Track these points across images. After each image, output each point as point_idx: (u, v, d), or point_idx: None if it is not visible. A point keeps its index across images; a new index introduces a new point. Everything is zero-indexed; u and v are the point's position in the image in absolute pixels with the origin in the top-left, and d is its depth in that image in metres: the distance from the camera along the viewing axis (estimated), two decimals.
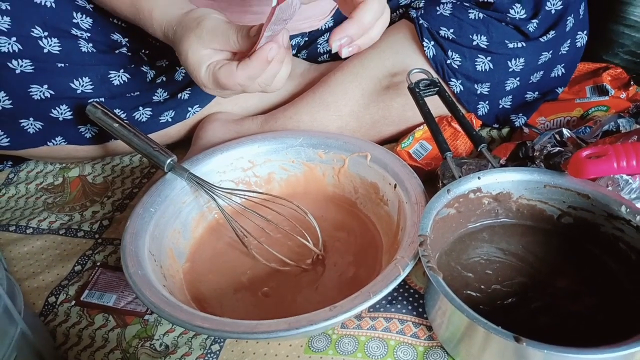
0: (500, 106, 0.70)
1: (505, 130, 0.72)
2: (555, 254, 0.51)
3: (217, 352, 0.49)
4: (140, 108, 0.69)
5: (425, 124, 0.65)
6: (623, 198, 0.48)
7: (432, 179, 0.58)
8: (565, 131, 0.59)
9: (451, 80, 0.66)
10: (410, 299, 0.51)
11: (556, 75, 0.69)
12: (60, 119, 0.65)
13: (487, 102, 0.69)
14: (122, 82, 0.67)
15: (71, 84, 0.64)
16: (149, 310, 0.52)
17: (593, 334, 0.43)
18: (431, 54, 0.65)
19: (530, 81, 0.67)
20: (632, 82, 0.69)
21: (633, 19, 0.80)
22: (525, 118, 0.69)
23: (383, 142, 0.68)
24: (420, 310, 0.50)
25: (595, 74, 0.71)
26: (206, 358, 0.48)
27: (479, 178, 0.51)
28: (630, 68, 0.71)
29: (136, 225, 0.51)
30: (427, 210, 0.48)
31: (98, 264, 0.58)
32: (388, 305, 0.51)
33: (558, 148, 0.57)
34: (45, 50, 0.62)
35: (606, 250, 0.49)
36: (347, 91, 0.66)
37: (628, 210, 0.46)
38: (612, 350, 0.37)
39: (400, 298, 0.51)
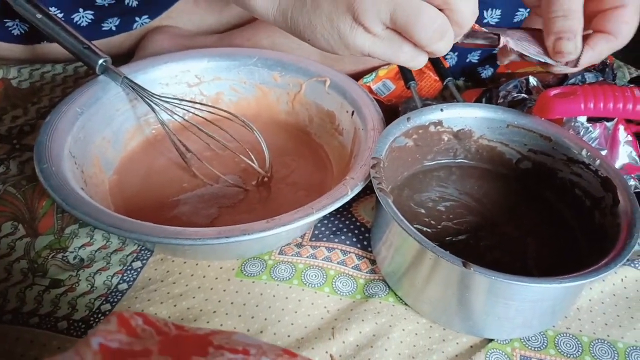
0: (468, 60, 0.67)
1: (470, 84, 0.69)
2: (510, 199, 0.49)
3: (139, 269, 0.44)
4: (81, 10, 0.61)
5: (389, 64, 0.62)
6: (584, 142, 0.46)
7: (393, 116, 0.54)
8: (532, 79, 0.56)
9: None
10: (356, 231, 0.48)
11: None
12: None
13: (456, 53, 0.66)
14: None
15: None
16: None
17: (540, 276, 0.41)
18: None
19: None
20: None
21: None
22: (492, 70, 0.67)
23: None
24: (366, 243, 0.47)
25: None
26: (125, 274, 0.43)
27: (441, 110, 0.48)
28: None
29: (57, 122, 0.45)
30: (384, 135, 0.45)
31: None
32: (331, 236, 0.47)
33: (522, 95, 0.55)
34: None
35: (561, 196, 0.47)
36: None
37: (588, 154, 0.45)
38: (558, 281, 0.35)
39: (345, 230, 0.48)
